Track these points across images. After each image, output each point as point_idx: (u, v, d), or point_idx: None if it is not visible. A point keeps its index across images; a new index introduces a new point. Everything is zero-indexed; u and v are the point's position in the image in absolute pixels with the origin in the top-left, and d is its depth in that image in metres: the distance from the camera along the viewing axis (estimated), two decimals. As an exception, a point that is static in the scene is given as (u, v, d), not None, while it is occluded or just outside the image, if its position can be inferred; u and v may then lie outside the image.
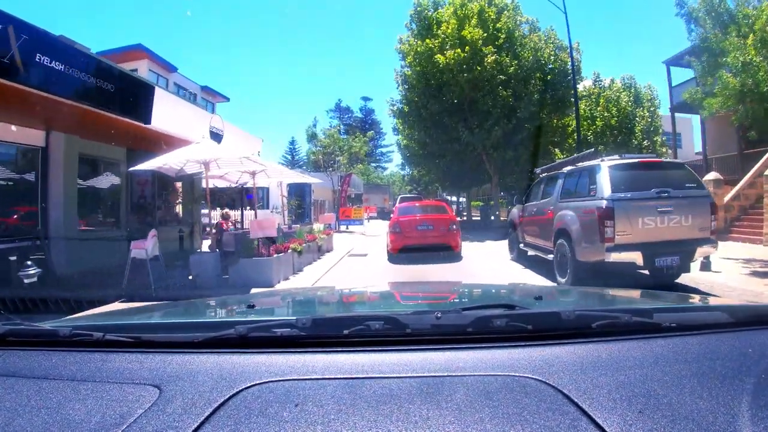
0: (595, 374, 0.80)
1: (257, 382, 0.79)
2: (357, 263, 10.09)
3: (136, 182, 10.30)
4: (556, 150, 22.24)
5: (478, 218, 29.12)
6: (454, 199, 37.48)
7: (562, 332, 0.95)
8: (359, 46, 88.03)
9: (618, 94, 26.72)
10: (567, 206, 6.82)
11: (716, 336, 0.98)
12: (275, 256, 7.12)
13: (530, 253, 8.58)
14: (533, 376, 0.79)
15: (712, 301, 1.64)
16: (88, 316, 1.50)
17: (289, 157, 66.72)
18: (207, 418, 0.70)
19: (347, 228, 19.20)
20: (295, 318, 0.98)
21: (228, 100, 33.57)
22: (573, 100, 18.48)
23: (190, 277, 7.13)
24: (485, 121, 17.10)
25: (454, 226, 10.23)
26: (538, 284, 5.92)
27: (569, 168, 7.29)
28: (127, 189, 9.83)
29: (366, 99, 69.78)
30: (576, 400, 0.72)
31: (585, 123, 21.26)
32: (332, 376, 0.81)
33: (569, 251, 6.35)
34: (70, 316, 1.40)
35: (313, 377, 0.81)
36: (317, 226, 12.65)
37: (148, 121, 7.57)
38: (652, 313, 1.08)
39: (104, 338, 0.96)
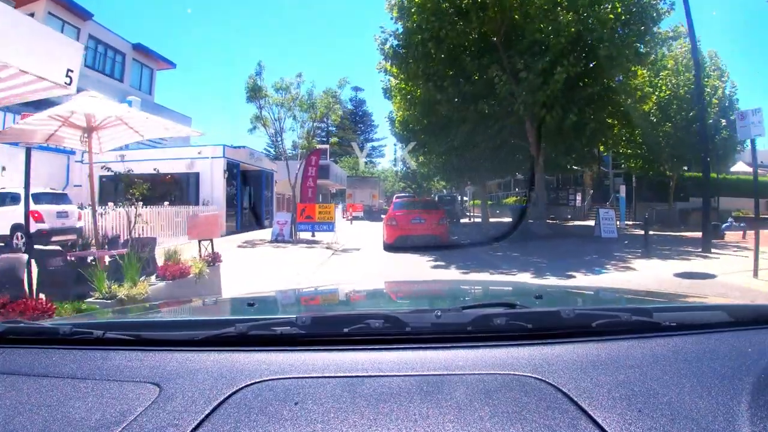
0: (595, 373, 0.80)
1: (257, 380, 0.79)
2: None
3: None
4: (617, 123, 14.22)
5: (500, 220, 21.08)
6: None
7: (562, 331, 0.95)
8: (351, 32, 79.43)
9: (687, 55, 18.97)
10: None
11: (716, 335, 0.98)
12: None
13: None
14: (533, 375, 0.79)
15: (712, 301, 1.60)
16: (88, 314, 1.59)
17: (272, 150, 58.40)
18: (207, 416, 0.70)
19: (313, 235, 11.18)
20: (295, 316, 0.97)
21: (174, 66, 26.19)
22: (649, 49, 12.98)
23: None
24: (539, 60, 9.08)
25: (443, 221, 12.39)
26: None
27: None
28: None
29: (357, 89, 63.02)
30: (575, 399, 0.72)
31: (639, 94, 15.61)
32: (332, 375, 0.81)
33: None
34: (70, 315, 1.50)
35: (312, 375, 0.81)
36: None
37: None
38: (652, 312, 1.06)
39: (104, 336, 0.97)
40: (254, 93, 12.67)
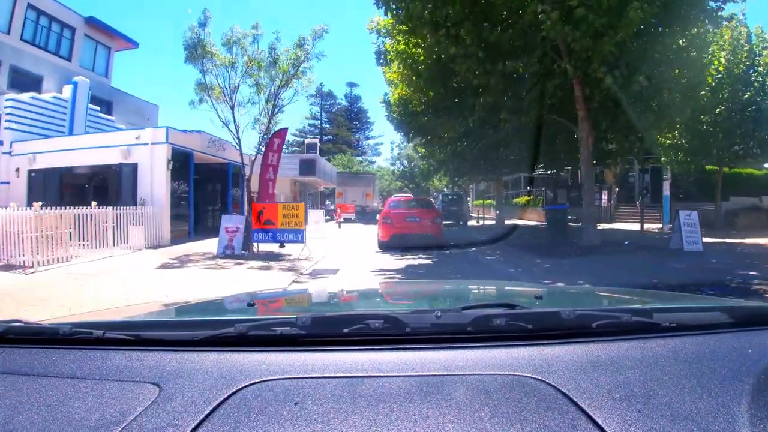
0: (595, 374, 0.79)
1: (257, 380, 0.78)
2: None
3: None
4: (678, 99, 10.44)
5: (515, 222, 17.32)
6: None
7: (562, 332, 0.94)
8: (344, 25, 75.35)
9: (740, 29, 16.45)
10: None
11: (716, 336, 0.97)
12: None
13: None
14: (533, 376, 0.78)
15: (712, 301, 1.59)
16: (88, 314, 1.56)
17: (264, 147, 54.69)
18: (207, 416, 0.70)
19: (282, 246, 7.14)
20: (294, 316, 0.96)
21: (136, 45, 22.30)
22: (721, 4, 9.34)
23: None
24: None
25: (438, 219, 12.25)
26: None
27: None
28: None
29: (352, 85, 60.65)
30: (576, 400, 0.71)
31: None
32: (332, 375, 0.80)
33: None
34: (70, 314, 1.49)
35: (312, 376, 0.80)
36: None
37: None
38: (652, 313, 1.06)
39: (104, 336, 0.95)
40: (195, 50, 8.90)
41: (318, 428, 0.65)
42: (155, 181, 11.86)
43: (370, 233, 15.32)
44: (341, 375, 0.79)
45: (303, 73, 9.09)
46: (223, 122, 9.03)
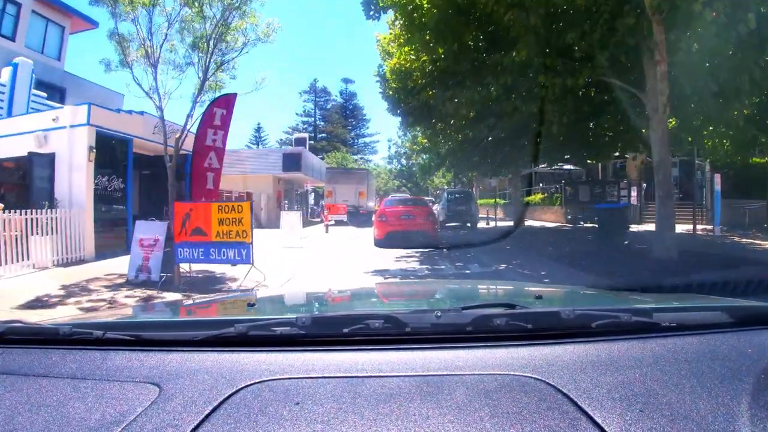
0: (595, 374, 0.79)
1: (257, 380, 0.78)
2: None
3: None
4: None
5: (531, 224, 14.57)
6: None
7: (561, 331, 0.93)
8: (340, 20, 72.65)
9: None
10: None
11: (716, 336, 0.96)
12: None
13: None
14: (533, 376, 0.78)
15: (712, 301, 1.55)
16: (87, 314, 1.49)
17: (254, 146, 53.97)
18: (207, 416, 0.70)
19: (235, 265, 3.68)
20: (294, 317, 0.96)
21: (95, 25, 19.27)
22: None
23: None
24: None
25: (431, 217, 12.54)
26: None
27: None
28: None
29: (347, 81, 58.44)
30: (575, 400, 0.71)
31: None
32: (332, 375, 0.80)
33: None
34: (70, 315, 1.43)
35: (312, 376, 0.80)
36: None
37: None
38: (652, 313, 1.05)
39: (104, 336, 0.95)
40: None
41: (318, 428, 0.65)
42: (75, 176, 8.90)
43: (364, 239, 12.87)
44: (341, 375, 0.79)
45: (249, 3, 6.21)
46: (138, 84, 6.12)
